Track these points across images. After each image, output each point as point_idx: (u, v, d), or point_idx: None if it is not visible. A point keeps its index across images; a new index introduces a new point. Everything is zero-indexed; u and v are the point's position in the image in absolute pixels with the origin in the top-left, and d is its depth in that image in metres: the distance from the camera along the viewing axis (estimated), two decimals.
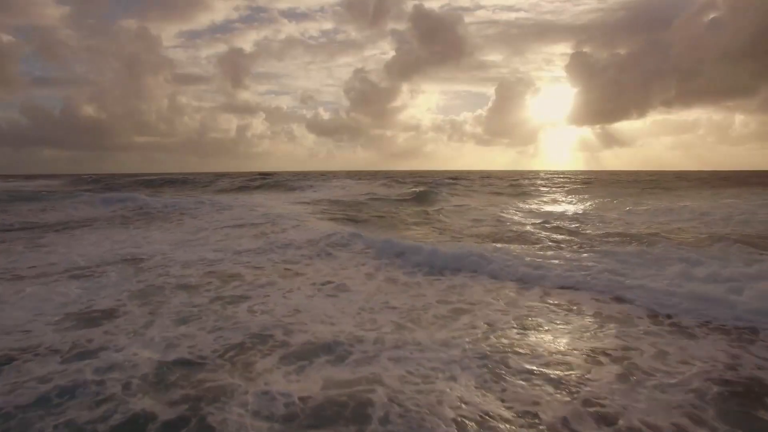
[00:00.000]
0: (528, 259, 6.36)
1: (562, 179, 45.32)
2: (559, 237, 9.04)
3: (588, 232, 9.44)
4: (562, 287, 5.40)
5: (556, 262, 6.18)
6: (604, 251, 6.78)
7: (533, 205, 16.12)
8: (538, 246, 7.86)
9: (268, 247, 8.24)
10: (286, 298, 5.33)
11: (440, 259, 6.51)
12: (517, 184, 32.94)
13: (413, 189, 22.75)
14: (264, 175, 52.26)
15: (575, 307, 4.74)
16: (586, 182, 38.71)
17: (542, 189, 27.83)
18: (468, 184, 34.19)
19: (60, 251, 8.55)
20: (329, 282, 6.13)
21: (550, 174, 72.88)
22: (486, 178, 49.66)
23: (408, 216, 12.89)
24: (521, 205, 16.52)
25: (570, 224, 10.69)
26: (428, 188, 23.45)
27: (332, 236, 8.68)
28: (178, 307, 4.92)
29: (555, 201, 18.42)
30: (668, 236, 8.59)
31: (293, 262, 7.27)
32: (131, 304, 5.02)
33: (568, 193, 24.11)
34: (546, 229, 10.13)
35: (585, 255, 6.62)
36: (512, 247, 7.75)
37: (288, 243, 8.38)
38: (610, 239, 8.36)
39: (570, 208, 14.34)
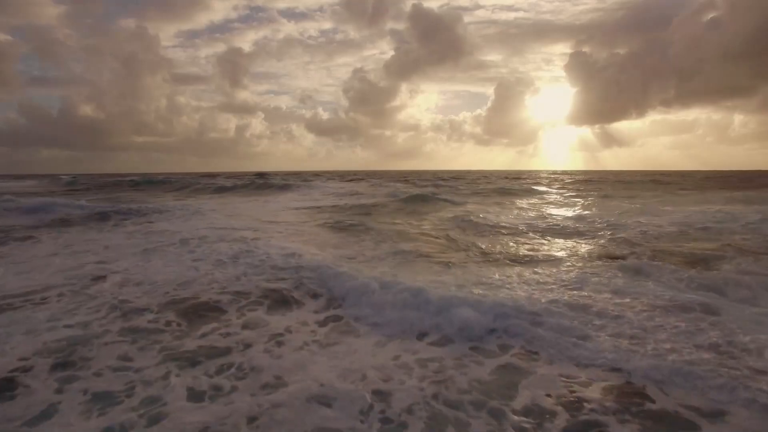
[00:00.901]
0: (596, 309, 4.46)
1: (569, 179, 43.93)
2: (608, 253, 7.55)
3: (642, 243, 7.92)
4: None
5: (639, 309, 4.46)
6: (683, 285, 5.20)
7: (556, 210, 14.41)
8: (593, 273, 6.24)
9: (252, 265, 6.70)
10: (269, 353, 3.82)
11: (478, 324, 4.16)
12: (526, 185, 31.43)
13: (421, 191, 21.19)
14: (260, 174, 50.78)
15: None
16: (594, 182, 37.34)
17: (555, 190, 26.29)
18: (475, 184, 32.69)
19: None
20: (328, 319, 4.63)
21: (555, 174, 71.49)
22: (489, 177, 48.29)
23: (421, 225, 11.32)
24: (543, 209, 14.82)
25: (613, 233, 9.15)
26: (436, 190, 21.98)
27: (335, 256, 7.19)
28: (107, 374, 3.39)
29: (577, 204, 16.73)
30: (738, 247, 7.12)
31: (280, 289, 5.74)
32: (40, 366, 3.49)
33: (584, 194, 22.52)
34: (591, 241, 8.62)
35: (659, 289, 5.04)
36: (563, 272, 6.22)
37: (276, 264, 6.82)
38: (675, 259, 6.82)
39: (599, 213, 12.72)
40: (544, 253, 7.57)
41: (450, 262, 6.93)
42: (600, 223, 10.68)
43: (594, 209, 14.03)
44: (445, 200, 17.21)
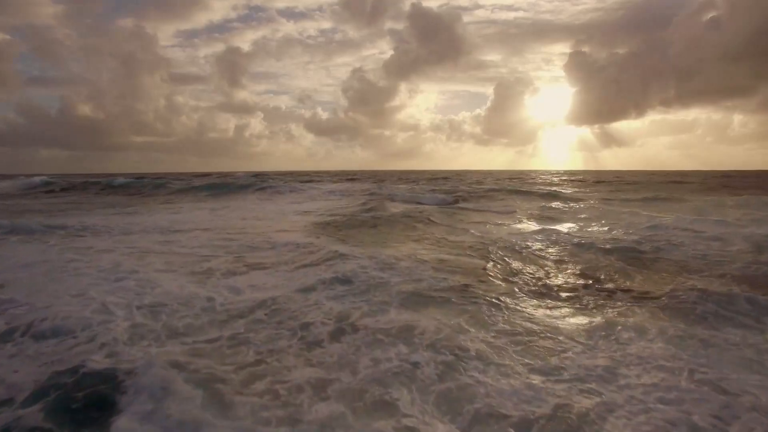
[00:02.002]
0: None
1: (580, 180, 41.62)
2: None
3: None
4: None
5: None
6: None
7: (615, 219, 11.22)
8: None
9: (176, 316, 4.48)
10: None
11: None
12: (540, 187, 29.09)
13: (435, 195, 18.82)
14: (256, 175, 48.83)
15: None
16: (609, 183, 35.20)
17: (579, 192, 23.74)
18: (482, 185, 30.36)
19: None
20: None
21: (558, 173, 69.06)
22: (494, 178, 46.14)
23: (450, 242, 9.01)
24: (598, 218, 11.68)
25: (738, 258, 6.84)
26: (445, 190, 19.78)
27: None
28: None
29: (624, 211, 13.87)
30: None
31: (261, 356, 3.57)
32: None
33: (618, 197, 19.72)
34: (718, 278, 6.43)
35: None
36: None
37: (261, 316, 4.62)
38: None
39: (669, 221, 10.02)
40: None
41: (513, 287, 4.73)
42: (692, 238, 8.18)
43: (657, 217, 11.40)
44: (465, 208, 14.90)
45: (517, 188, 24.64)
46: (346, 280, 5.43)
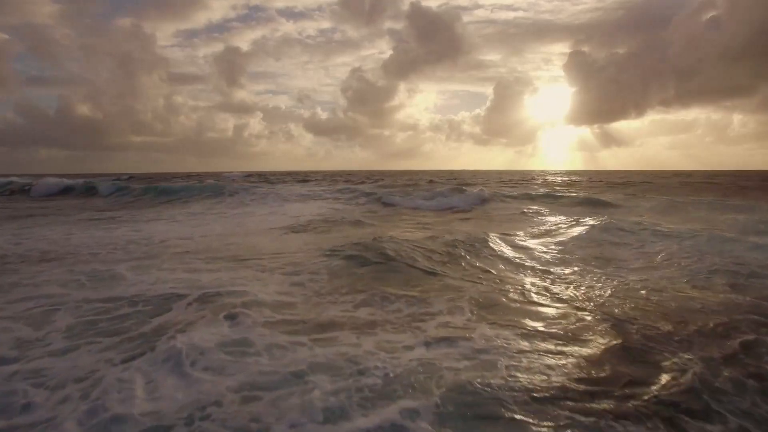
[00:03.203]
0: None
1: (594, 181, 39.71)
2: None
3: None
4: None
5: None
6: None
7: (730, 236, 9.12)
8: None
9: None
10: None
11: None
12: (562, 188, 26.72)
13: (460, 197, 16.53)
14: (250, 174, 46.83)
15: None
16: (623, 184, 33.48)
17: (608, 194, 21.04)
18: (495, 186, 28.27)
19: None
20: None
21: (564, 174, 67.22)
22: (502, 179, 44.43)
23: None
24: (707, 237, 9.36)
25: None
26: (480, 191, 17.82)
27: None
28: None
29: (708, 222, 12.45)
30: None
31: None
32: None
33: (659, 201, 17.02)
34: None
35: None
36: None
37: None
38: None
39: None
40: None
41: None
42: None
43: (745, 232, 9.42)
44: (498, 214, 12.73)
45: (534, 192, 22.63)
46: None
